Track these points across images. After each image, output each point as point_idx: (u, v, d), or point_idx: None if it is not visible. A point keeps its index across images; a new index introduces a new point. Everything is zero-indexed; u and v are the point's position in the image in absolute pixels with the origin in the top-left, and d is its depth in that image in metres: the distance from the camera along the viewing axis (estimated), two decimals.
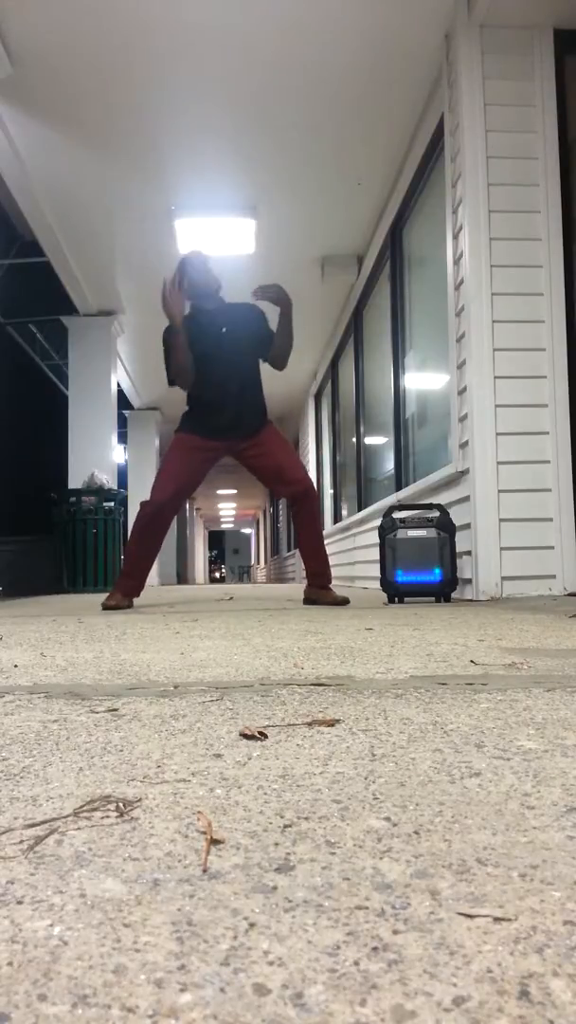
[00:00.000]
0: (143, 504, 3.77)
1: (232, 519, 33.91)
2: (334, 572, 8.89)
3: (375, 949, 0.39)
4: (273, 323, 3.78)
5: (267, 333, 3.82)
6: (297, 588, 8.30)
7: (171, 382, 3.74)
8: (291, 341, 3.82)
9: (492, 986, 0.36)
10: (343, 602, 3.70)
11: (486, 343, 3.78)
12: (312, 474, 11.27)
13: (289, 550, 15.19)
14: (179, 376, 3.67)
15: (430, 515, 3.86)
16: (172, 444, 3.82)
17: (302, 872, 0.49)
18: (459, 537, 3.88)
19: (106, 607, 3.69)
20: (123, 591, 3.80)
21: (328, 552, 9.42)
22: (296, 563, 13.25)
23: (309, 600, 3.84)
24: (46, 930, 0.42)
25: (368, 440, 7.41)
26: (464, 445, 3.92)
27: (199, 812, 0.60)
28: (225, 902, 0.45)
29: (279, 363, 3.87)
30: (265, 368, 3.87)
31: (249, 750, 0.80)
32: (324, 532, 9.82)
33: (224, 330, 3.73)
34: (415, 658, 1.51)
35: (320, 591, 3.83)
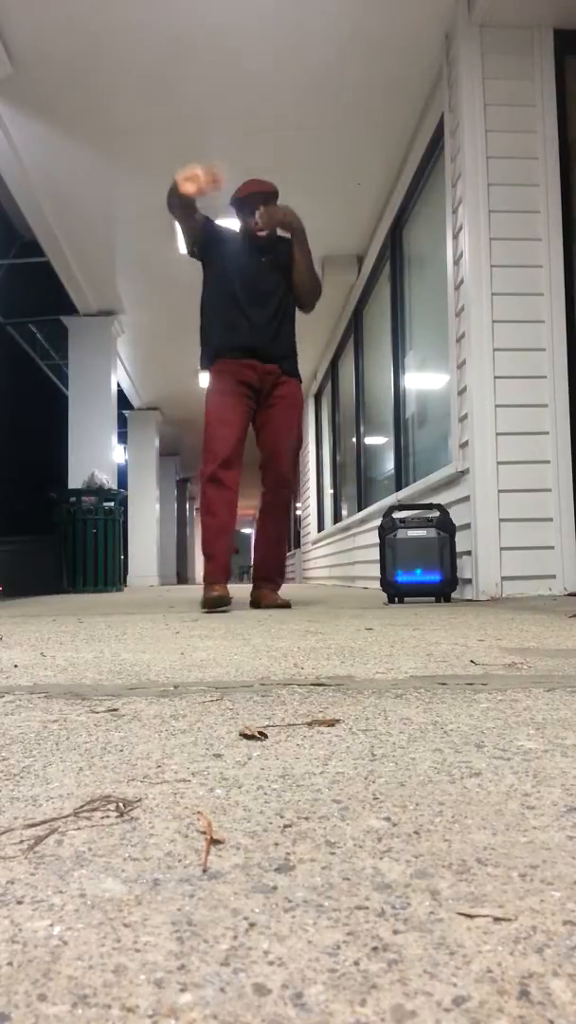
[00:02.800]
0: (200, 473, 3.46)
1: None
2: (334, 572, 8.93)
3: (375, 949, 0.39)
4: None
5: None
6: (297, 588, 8.30)
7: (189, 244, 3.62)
8: (311, 274, 3.62)
9: (492, 986, 0.36)
10: (285, 605, 3.49)
11: (486, 343, 3.78)
12: (312, 474, 11.27)
13: (289, 550, 15.17)
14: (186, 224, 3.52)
15: (430, 515, 3.86)
16: (209, 390, 3.54)
17: (302, 872, 0.49)
18: (459, 537, 3.88)
19: (209, 602, 3.30)
20: (223, 578, 3.42)
21: (328, 552, 9.45)
22: (296, 563, 13.25)
23: (255, 603, 3.63)
24: (46, 930, 0.42)
25: (368, 440, 7.41)
26: (464, 445, 3.92)
27: (199, 812, 0.60)
28: (225, 902, 0.45)
29: (303, 300, 3.67)
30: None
31: (249, 750, 0.80)
32: (324, 532, 9.83)
33: (263, 259, 3.59)
34: (415, 658, 1.51)
35: (264, 592, 3.63)
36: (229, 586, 3.65)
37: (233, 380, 3.50)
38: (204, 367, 3.63)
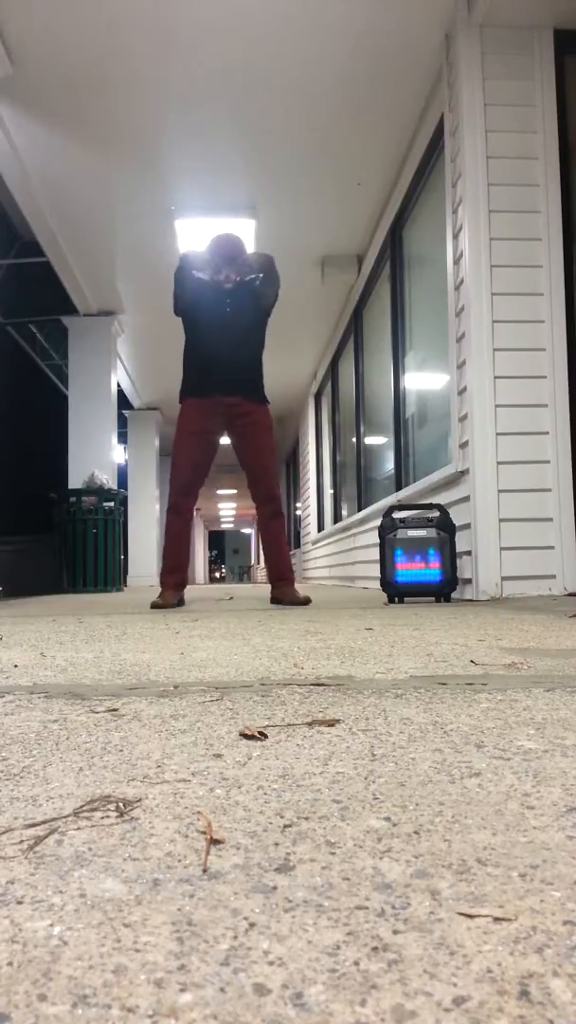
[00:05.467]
0: (168, 497, 4.02)
1: (232, 519, 33.92)
2: (334, 572, 8.93)
3: (375, 949, 0.39)
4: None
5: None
6: (297, 588, 8.29)
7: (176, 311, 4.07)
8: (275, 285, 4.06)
9: (492, 986, 0.36)
10: (305, 602, 3.85)
11: (486, 343, 3.78)
12: (312, 474, 11.27)
13: (290, 550, 15.16)
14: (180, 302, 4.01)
15: (430, 515, 3.86)
16: (178, 428, 4.02)
17: (302, 872, 0.49)
18: (459, 537, 3.88)
19: (155, 606, 3.75)
20: (171, 587, 3.92)
21: (328, 552, 9.45)
22: (296, 563, 13.25)
23: (276, 600, 4.02)
24: (46, 930, 0.42)
25: (368, 440, 7.41)
26: (464, 445, 3.92)
27: (199, 812, 0.60)
28: (225, 902, 0.45)
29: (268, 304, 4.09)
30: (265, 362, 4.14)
31: (249, 750, 0.80)
32: (324, 532, 9.83)
33: (228, 300, 3.97)
34: (415, 658, 1.51)
35: (284, 590, 3.99)
36: (232, 587, 4.10)
37: (197, 419, 3.96)
38: (180, 402, 4.10)
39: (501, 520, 3.72)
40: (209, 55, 4.40)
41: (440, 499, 4.27)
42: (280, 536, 4.08)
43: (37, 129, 5.08)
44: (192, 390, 4.00)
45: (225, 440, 4.13)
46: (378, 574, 3.99)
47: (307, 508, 11.89)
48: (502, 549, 3.70)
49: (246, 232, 6.27)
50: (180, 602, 3.98)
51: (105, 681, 1.29)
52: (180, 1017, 0.34)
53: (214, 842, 0.54)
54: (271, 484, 4.02)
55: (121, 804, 0.63)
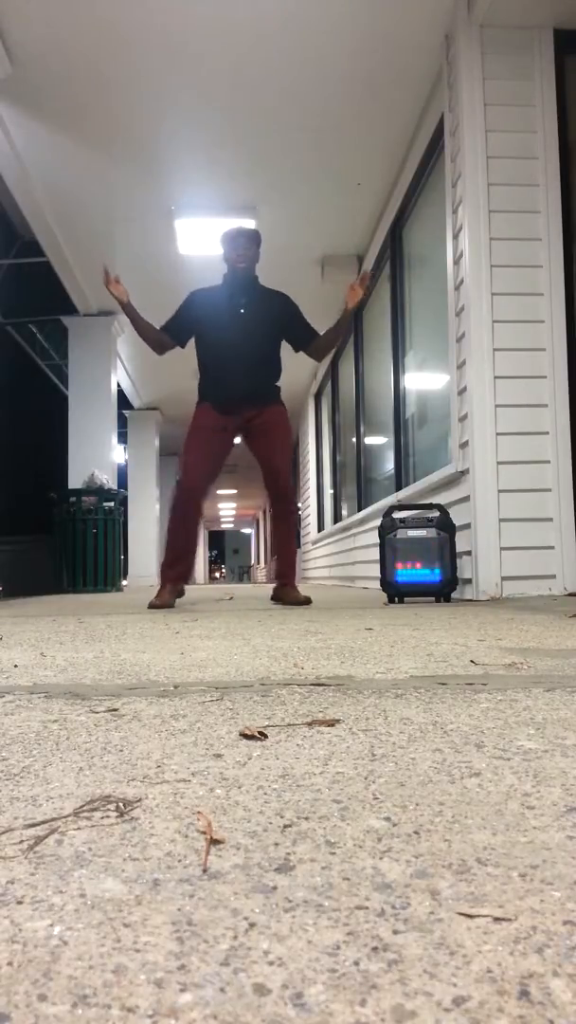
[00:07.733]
0: (175, 488, 3.94)
1: (232, 519, 33.93)
2: (334, 572, 8.94)
3: (375, 949, 0.39)
4: (311, 317, 4.03)
5: (295, 322, 3.98)
6: (298, 588, 8.29)
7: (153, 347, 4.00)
8: (336, 341, 4.03)
9: (492, 986, 0.36)
10: (305, 602, 3.85)
11: (486, 343, 3.78)
12: (312, 474, 11.27)
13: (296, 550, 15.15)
14: (147, 340, 3.95)
15: (430, 515, 3.86)
16: (192, 424, 3.94)
17: (302, 872, 0.49)
18: (459, 537, 3.88)
19: (153, 606, 3.70)
20: (171, 583, 3.84)
21: (328, 552, 9.46)
22: (296, 563, 13.25)
23: (276, 598, 4.03)
24: (46, 930, 0.42)
25: (368, 440, 7.41)
26: (464, 445, 3.92)
27: (199, 812, 0.60)
28: (225, 902, 0.45)
29: (319, 353, 4.04)
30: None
31: (249, 750, 0.80)
32: (324, 532, 9.83)
33: (242, 310, 3.88)
34: (415, 658, 1.51)
35: (285, 589, 3.99)
36: (232, 587, 4.03)
37: (210, 416, 3.90)
38: (198, 403, 4.02)
39: (501, 520, 3.72)
40: (209, 55, 4.40)
41: (440, 499, 4.27)
42: (288, 535, 4.07)
43: (37, 129, 5.08)
44: (208, 398, 3.92)
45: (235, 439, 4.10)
46: (378, 574, 3.99)
47: (307, 508, 11.89)
48: (502, 549, 3.70)
49: None
50: (180, 593, 3.91)
51: (105, 681, 1.29)
52: (180, 1017, 0.34)
53: (214, 842, 0.54)
54: (286, 484, 3.98)
55: (121, 804, 0.63)
